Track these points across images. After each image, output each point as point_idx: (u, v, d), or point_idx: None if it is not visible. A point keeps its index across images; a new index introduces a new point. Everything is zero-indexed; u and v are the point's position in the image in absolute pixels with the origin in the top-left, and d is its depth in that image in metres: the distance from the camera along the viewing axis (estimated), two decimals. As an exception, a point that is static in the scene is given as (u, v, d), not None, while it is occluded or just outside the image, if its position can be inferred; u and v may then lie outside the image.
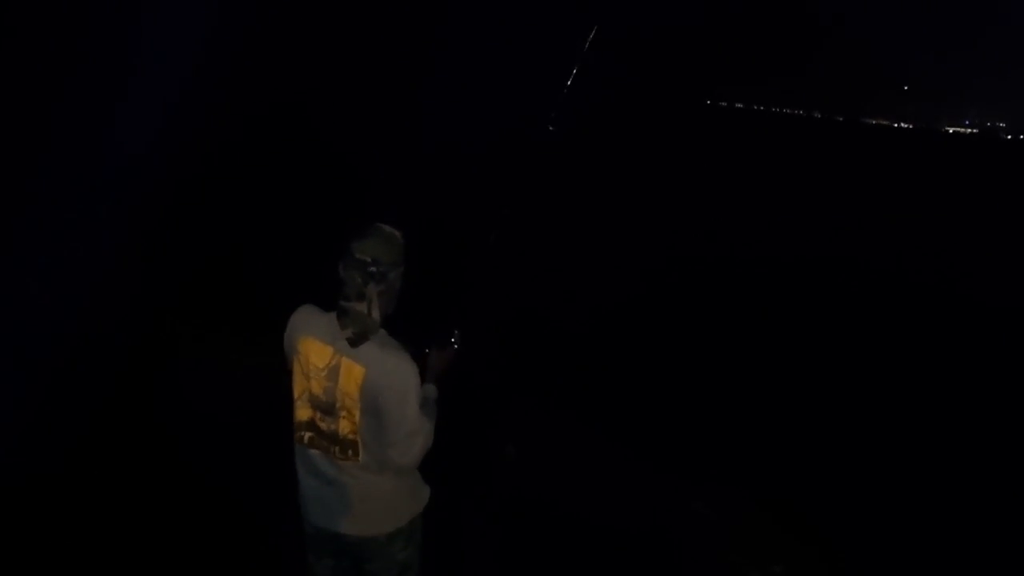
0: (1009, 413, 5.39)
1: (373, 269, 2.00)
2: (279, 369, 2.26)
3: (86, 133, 7.58)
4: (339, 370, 2.06)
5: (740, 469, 4.37)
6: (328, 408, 2.09)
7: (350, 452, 2.09)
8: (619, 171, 15.39)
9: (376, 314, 2.04)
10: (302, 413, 2.15)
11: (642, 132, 22.83)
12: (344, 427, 2.08)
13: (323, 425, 2.11)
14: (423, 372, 2.19)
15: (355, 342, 2.02)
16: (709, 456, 4.49)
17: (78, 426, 3.95)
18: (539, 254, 7.37)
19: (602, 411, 4.93)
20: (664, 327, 6.76)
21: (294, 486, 2.28)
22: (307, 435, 2.16)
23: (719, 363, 5.92)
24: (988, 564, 3.82)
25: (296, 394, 2.15)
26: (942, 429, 5.15)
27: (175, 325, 5.56)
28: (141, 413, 4.22)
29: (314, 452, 2.15)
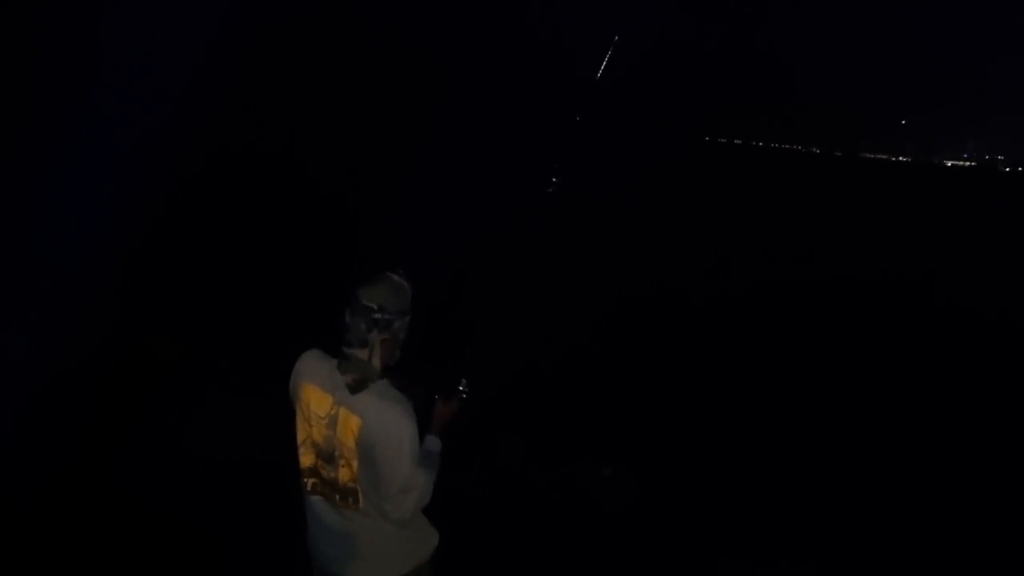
0: (1000, 447, 5.41)
1: (378, 316, 1.98)
2: (279, 410, 2.20)
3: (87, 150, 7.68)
4: (337, 419, 2.03)
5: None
6: (328, 456, 2.07)
7: (350, 500, 2.06)
8: (621, 212, 15.58)
9: (377, 362, 2.01)
10: (305, 459, 2.13)
11: (643, 169, 23.11)
12: (344, 475, 2.05)
13: (324, 472, 2.09)
14: (427, 422, 2.16)
15: (354, 389, 1.99)
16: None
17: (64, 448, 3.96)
18: (544, 294, 7.51)
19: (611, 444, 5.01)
20: (668, 361, 6.84)
21: (303, 528, 2.24)
22: (311, 481, 2.14)
23: (725, 403, 5.99)
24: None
25: (300, 439, 2.13)
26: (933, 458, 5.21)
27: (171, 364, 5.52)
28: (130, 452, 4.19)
29: (317, 498, 2.14)
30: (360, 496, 2.04)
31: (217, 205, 9.56)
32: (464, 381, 2.29)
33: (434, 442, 2.19)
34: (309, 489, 2.12)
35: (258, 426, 3.73)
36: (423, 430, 2.15)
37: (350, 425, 2.00)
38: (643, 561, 3.70)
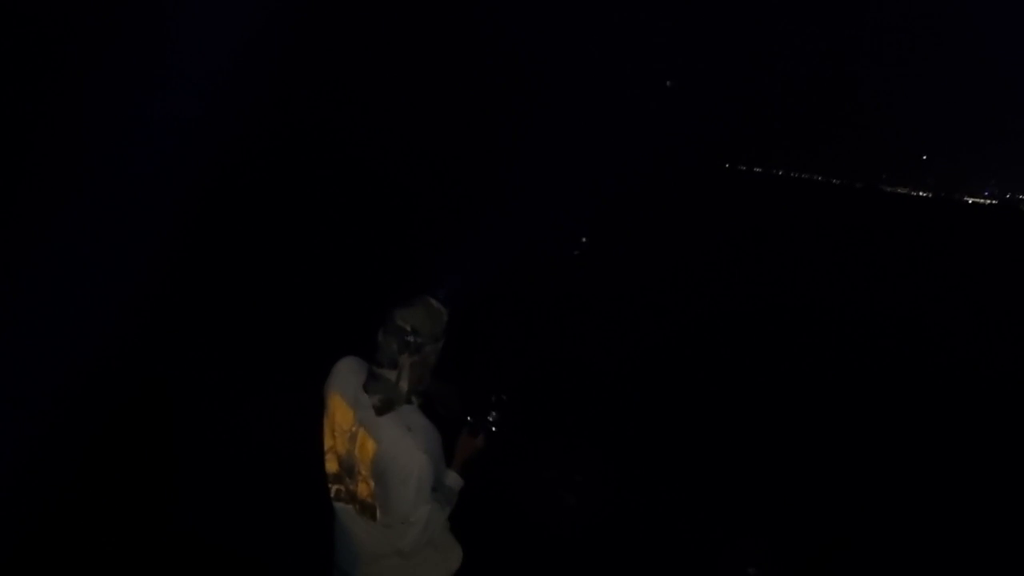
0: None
1: (411, 339, 1.96)
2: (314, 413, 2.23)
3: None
4: (357, 438, 2.04)
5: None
6: (349, 469, 2.10)
7: (369, 513, 2.09)
8: (642, 238, 15.68)
9: (405, 385, 1.98)
10: (330, 465, 2.16)
11: (663, 197, 23.23)
12: (363, 490, 2.08)
13: (346, 483, 2.13)
14: (451, 453, 2.14)
15: (380, 411, 1.98)
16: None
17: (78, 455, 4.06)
18: (570, 322, 7.63)
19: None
20: (688, 387, 6.93)
21: (329, 532, 2.28)
22: (335, 487, 2.17)
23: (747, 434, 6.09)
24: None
25: (326, 446, 2.16)
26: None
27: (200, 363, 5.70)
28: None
29: (341, 505, 2.17)
30: (378, 512, 2.07)
31: (261, 212, 9.77)
32: (493, 413, 2.23)
33: (455, 479, 2.14)
34: (333, 495, 2.18)
35: (294, 428, 3.87)
36: (448, 458, 2.13)
37: (367, 447, 2.02)
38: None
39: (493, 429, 2.23)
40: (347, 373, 2.13)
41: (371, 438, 2.00)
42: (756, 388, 7.03)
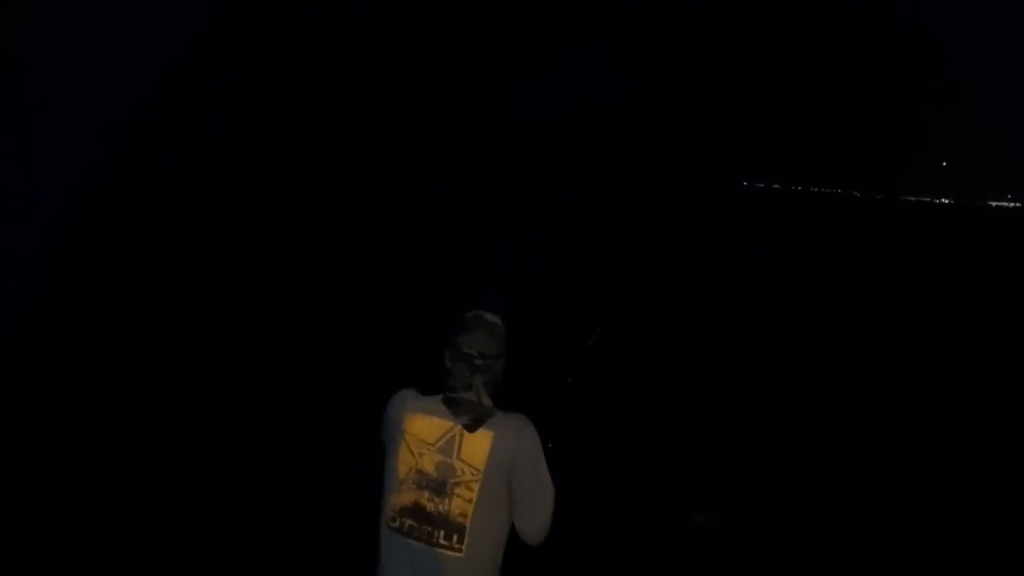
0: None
1: (479, 362, 2.04)
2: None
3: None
4: (460, 442, 2.01)
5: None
6: (439, 486, 2.01)
7: (455, 539, 1.99)
8: (664, 259, 15.84)
9: (487, 400, 2.05)
10: (405, 497, 2.05)
11: (682, 217, 23.42)
12: (455, 506, 1.99)
13: (430, 506, 2.02)
14: None
15: (472, 428, 2.00)
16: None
17: None
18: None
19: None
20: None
21: None
22: (407, 522, 2.05)
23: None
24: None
25: (401, 476, 2.06)
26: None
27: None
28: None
29: (411, 542, 2.05)
30: (466, 534, 1.98)
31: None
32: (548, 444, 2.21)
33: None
34: (405, 531, 2.04)
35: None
36: None
37: (478, 444, 1.99)
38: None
39: (549, 446, 2.21)
40: (414, 396, 2.12)
41: (482, 432, 2.00)
42: (784, 403, 7.23)
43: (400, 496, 2.05)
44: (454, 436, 2.01)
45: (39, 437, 4.75)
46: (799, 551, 4.48)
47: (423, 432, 2.04)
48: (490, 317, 2.11)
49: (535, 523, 2.03)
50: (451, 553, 1.99)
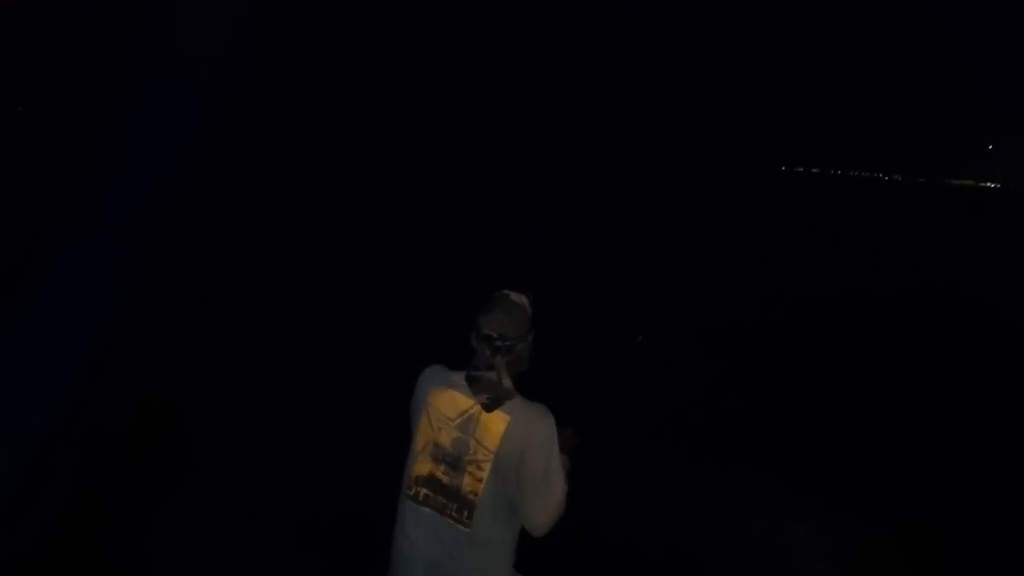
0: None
1: (499, 343, 2.02)
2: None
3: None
4: (477, 421, 2.03)
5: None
6: (454, 461, 2.04)
7: (464, 514, 2.02)
8: (701, 245, 15.76)
9: (507, 382, 2.05)
10: (422, 467, 2.09)
11: (721, 202, 23.21)
12: (467, 483, 2.02)
13: (445, 479, 2.05)
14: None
15: (490, 408, 2.02)
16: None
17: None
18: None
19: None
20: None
21: (384, 547, 2.19)
22: (423, 491, 2.09)
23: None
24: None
25: (419, 447, 2.11)
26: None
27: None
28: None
29: (426, 510, 2.08)
30: (475, 511, 2.01)
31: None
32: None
33: (565, 459, 2.14)
34: (420, 499, 2.09)
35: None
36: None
37: (493, 426, 2.01)
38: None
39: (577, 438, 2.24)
40: (442, 371, 2.15)
41: (499, 414, 2.01)
42: (821, 388, 7.20)
43: (418, 466, 2.09)
44: (472, 415, 2.04)
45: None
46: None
47: (444, 407, 2.07)
48: (515, 297, 2.10)
49: (538, 516, 2.02)
50: (461, 527, 2.03)
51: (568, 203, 13.60)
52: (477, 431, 2.01)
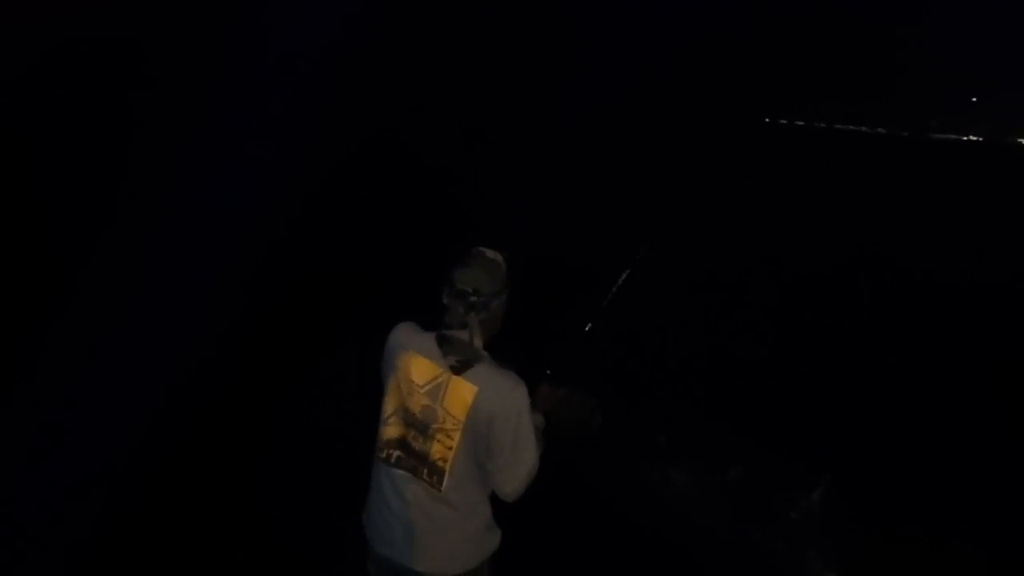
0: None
1: (474, 299, 2.15)
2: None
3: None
4: (445, 389, 2.16)
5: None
6: (423, 427, 2.19)
7: (435, 479, 2.19)
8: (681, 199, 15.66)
9: (479, 342, 2.17)
10: (392, 431, 2.26)
11: (703, 156, 23.03)
12: (436, 451, 2.18)
13: (415, 444, 2.21)
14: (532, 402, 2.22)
15: (459, 370, 2.14)
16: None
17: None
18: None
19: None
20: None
21: (357, 513, 2.33)
22: (395, 453, 2.26)
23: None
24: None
25: (388, 411, 2.27)
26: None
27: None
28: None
29: (400, 472, 2.25)
30: (445, 476, 2.17)
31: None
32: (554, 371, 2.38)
33: (539, 419, 2.31)
34: (393, 462, 2.24)
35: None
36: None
37: (461, 394, 2.13)
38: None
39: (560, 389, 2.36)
40: (412, 333, 2.26)
41: (467, 383, 2.13)
42: (803, 346, 7.09)
43: (388, 428, 2.24)
44: (441, 382, 2.15)
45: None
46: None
47: (414, 372, 2.19)
48: (491, 254, 2.20)
49: (508, 482, 2.17)
50: (433, 490, 2.18)
51: (538, 156, 13.34)
52: (445, 400, 2.15)
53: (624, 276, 2.75)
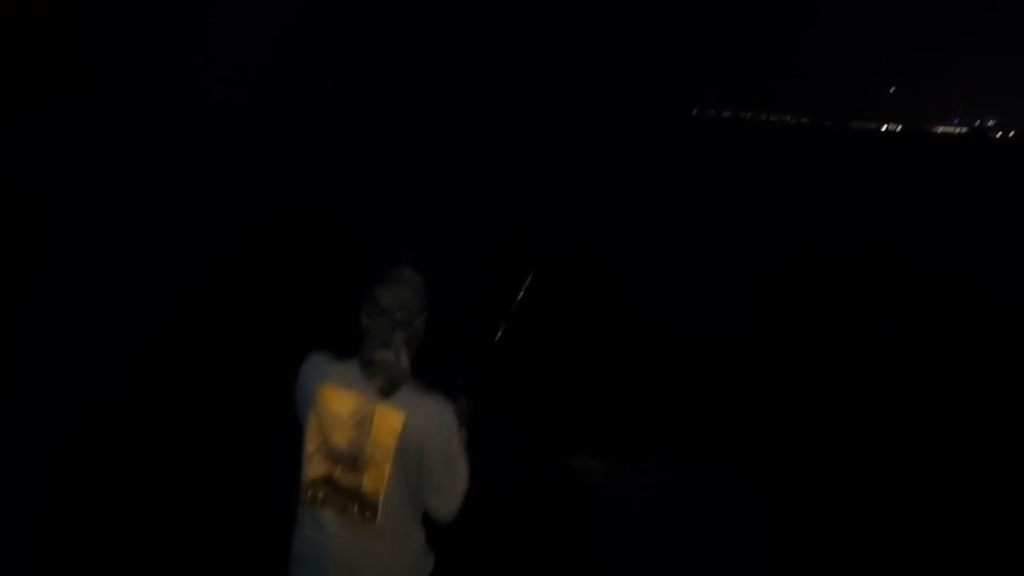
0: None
1: (399, 316, 1.89)
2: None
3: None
4: (371, 419, 1.89)
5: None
6: (351, 462, 1.92)
7: (368, 513, 1.92)
8: (612, 196, 13.96)
9: (405, 360, 1.93)
10: (316, 469, 1.96)
11: (630, 150, 20.99)
12: (367, 484, 1.92)
13: (344, 480, 1.94)
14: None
15: (387, 391, 1.89)
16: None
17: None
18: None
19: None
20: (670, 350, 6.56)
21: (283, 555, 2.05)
22: (320, 493, 1.97)
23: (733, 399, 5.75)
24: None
25: (311, 449, 1.97)
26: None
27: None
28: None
29: (326, 512, 1.96)
30: (379, 510, 1.92)
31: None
32: (470, 378, 2.22)
33: (463, 433, 2.04)
34: (318, 502, 1.97)
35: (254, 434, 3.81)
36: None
37: (390, 423, 1.89)
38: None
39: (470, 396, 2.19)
40: (326, 364, 1.99)
41: (396, 409, 1.89)
42: (743, 342, 6.89)
43: (312, 467, 1.98)
44: (366, 413, 1.92)
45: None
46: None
47: (336, 406, 1.95)
48: (410, 272, 2.00)
49: (443, 504, 1.97)
50: (365, 525, 1.95)
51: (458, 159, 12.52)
52: (373, 429, 1.91)
53: (529, 280, 2.48)
